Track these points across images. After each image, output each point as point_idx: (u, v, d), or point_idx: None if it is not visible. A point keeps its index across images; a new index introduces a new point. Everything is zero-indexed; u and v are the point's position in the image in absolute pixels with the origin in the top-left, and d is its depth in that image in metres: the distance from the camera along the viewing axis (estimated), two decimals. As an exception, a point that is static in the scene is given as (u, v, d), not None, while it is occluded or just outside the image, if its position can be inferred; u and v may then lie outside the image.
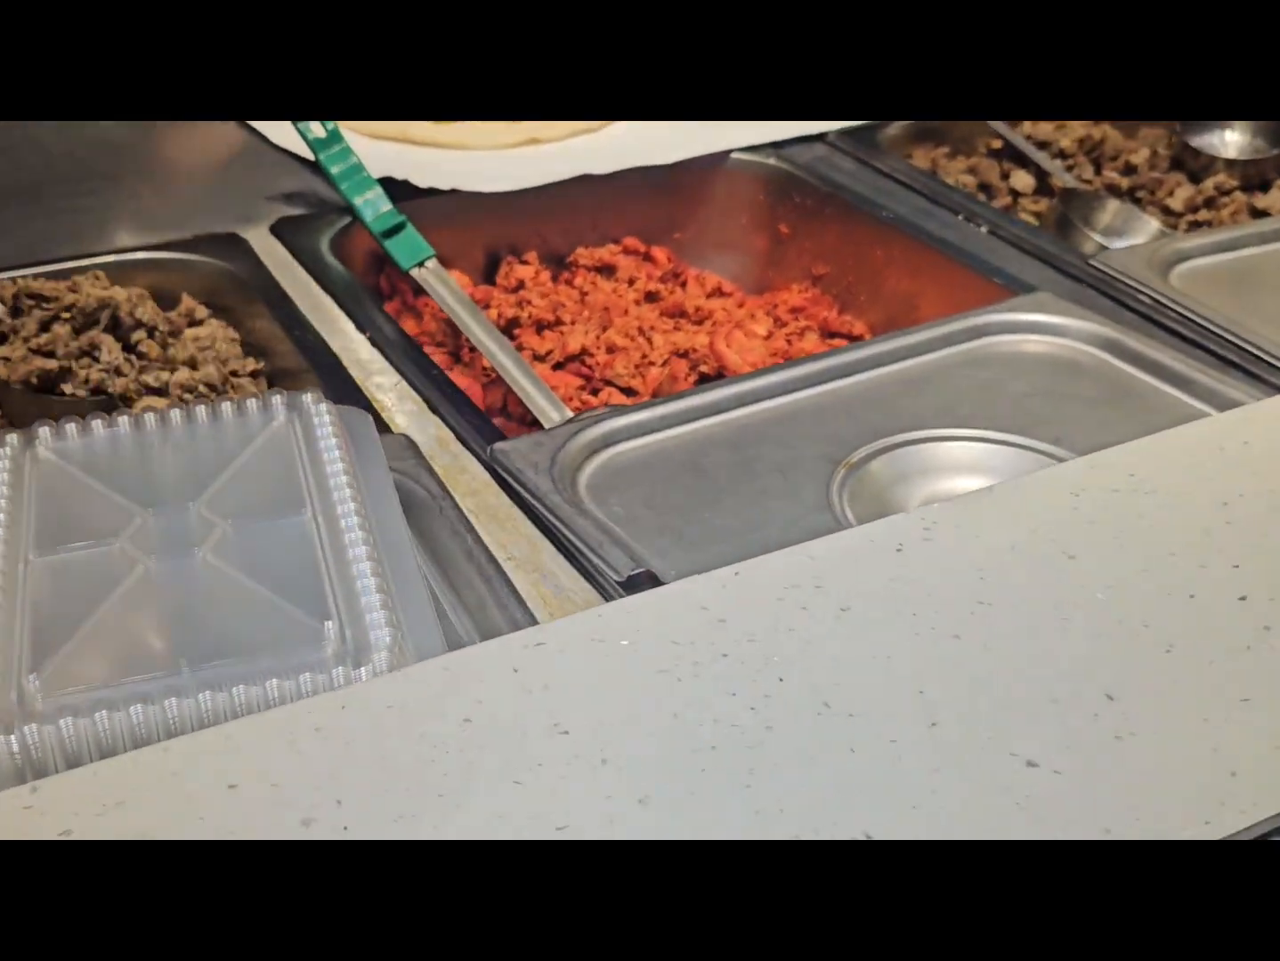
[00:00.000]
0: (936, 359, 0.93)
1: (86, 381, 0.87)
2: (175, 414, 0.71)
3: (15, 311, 0.92)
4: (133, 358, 0.91)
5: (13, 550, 0.61)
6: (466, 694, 0.55)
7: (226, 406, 0.71)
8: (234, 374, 0.92)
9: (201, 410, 0.71)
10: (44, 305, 0.91)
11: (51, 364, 0.88)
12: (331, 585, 0.60)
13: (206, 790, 0.50)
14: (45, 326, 0.91)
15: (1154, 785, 0.52)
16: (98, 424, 0.69)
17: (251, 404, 0.71)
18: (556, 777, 0.51)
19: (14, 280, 0.94)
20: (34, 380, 0.87)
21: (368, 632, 0.58)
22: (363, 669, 0.56)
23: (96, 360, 0.89)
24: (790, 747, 0.53)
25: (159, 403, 0.88)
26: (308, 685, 0.55)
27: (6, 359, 0.89)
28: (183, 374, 0.88)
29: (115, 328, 0.92)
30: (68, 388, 0.88)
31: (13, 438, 0.68)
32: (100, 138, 1.23)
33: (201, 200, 1.15)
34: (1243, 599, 0.61)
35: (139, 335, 0.92)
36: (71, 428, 0.69)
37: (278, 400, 0.71)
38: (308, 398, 0.71)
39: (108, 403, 0.87)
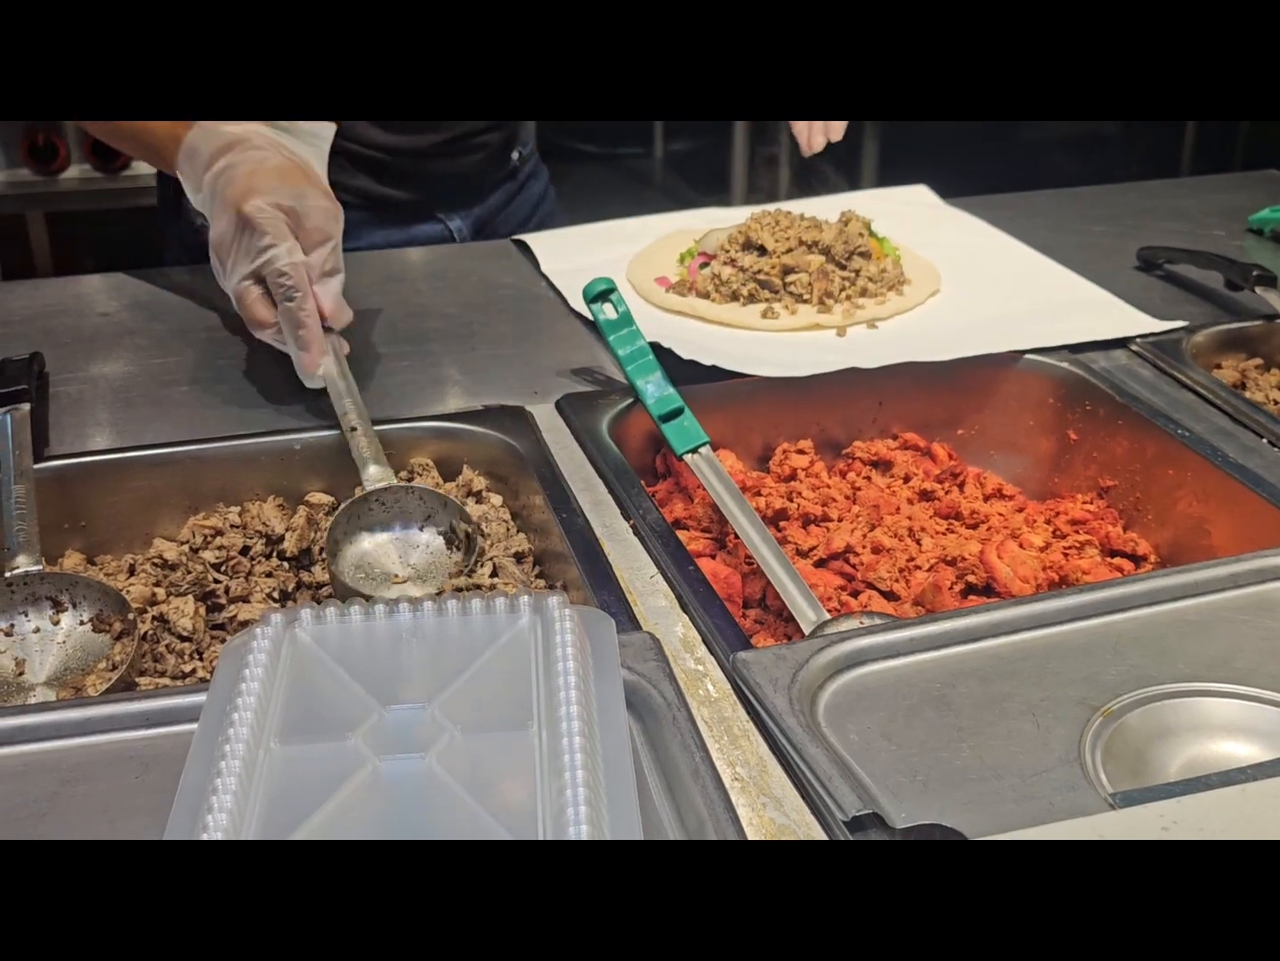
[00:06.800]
0: (1219, 601, 0.88)
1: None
2: (428, 606, 0.73)
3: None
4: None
5: (257, 736, 0.64)
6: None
7: (476, 604, 0.73)
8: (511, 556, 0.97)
9: (452, 605, 0.73)
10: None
11: None
12: (543, 809, 0.60)
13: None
14: None
15: None
16: (355, 610, 0.73)
17: (500, 603, 0.73)
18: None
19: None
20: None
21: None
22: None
23: None
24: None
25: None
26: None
27: None
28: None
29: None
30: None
31: (277, 618, 0.72)
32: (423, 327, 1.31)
33: (500, 371, 1.20)
34: None
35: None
36: (331, 611, 0.73)
37: (524, 601, 0.73)
38: (553, 601, 0.73)
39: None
